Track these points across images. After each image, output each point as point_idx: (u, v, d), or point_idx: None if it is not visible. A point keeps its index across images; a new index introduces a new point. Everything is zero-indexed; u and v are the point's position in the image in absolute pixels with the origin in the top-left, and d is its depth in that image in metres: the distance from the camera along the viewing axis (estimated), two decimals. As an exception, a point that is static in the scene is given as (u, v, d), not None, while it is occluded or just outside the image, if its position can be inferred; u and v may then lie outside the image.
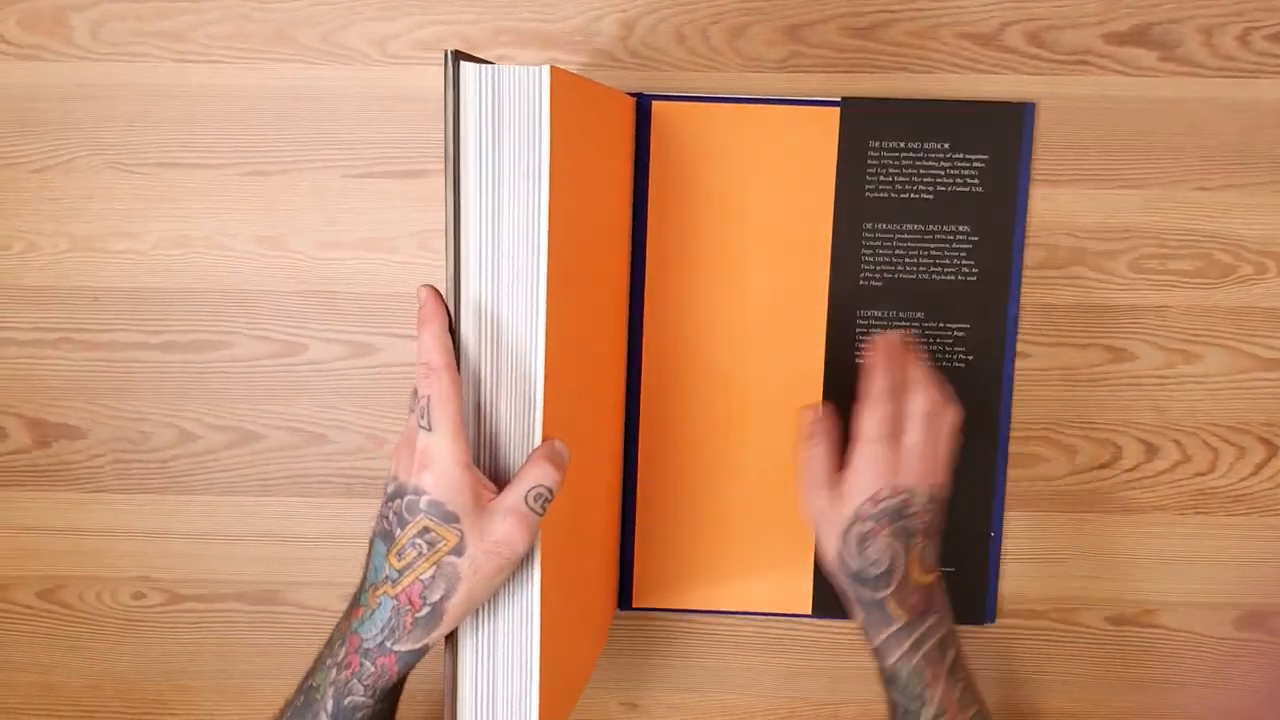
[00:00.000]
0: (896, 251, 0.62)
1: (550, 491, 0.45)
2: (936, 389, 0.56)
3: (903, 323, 0.63)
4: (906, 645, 0.54)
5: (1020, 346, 0.64)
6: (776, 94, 0.62)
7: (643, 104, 0.61)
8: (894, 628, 0.54)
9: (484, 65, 0.43)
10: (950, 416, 0.56)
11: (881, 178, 0.62)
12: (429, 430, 0.45)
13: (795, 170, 0.62)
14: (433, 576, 0.45)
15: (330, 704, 0.47)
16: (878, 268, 0.62)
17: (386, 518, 0.46)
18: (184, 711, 0.67)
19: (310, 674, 0.49)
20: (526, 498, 0.45)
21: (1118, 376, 0.64)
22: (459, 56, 0.43)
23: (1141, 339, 0.64)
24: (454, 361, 0.45)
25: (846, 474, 0.55)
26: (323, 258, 0.64)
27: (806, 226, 0.62)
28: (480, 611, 0.47)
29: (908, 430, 0.55)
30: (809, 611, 0.65)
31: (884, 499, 0.54)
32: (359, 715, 0.47)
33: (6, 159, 0.63)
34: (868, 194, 0.62)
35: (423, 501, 0.44)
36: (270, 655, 0.67)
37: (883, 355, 0.56)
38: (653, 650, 0.67)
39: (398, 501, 0.45)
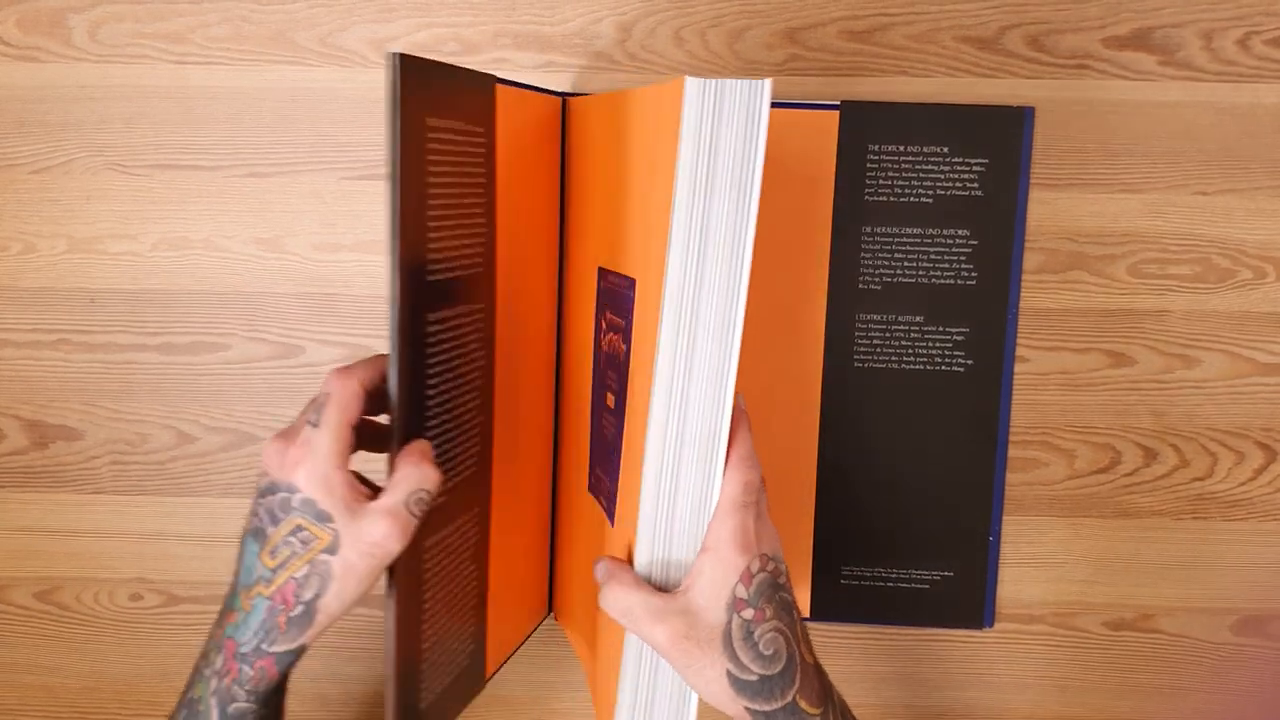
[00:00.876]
0: (896, 255, 0.62)
1: (429, 495, 0.44)
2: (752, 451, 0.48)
3: (902, 326, 0.63)
4: None
5: (1019, 351, 0.63)
6: (775, 97, 0.61)
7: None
8: None
9: (707, 81, 0.44)
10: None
11: (881, 181, 0.62)
12: (315, 426, 0.44)
13: (794, 174, 0.62)
14: (306, 575, 0.44)
15: (215, 714, 0.46)
16: (877, 271, 0.62)
17: (258, 514, 0.45)
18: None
19: (189, 686, 0.48)
20: (408, 502, 0.44)
21: (1117, 381, 0.64)
22: (402, 58, 0.42)
23: (1141, 343, 0.63)
24: (367, 379, 0.45)
25: (697, 564, 0.45)
26: (321, 260, 0.64)
27: (806, 230, 0.62)
28: None
29: (757, 499, 0.47)
30: (807, 615, 0.65)
31: (756, 573, 0.45)
32: None
33: (5, 160, 0.63)
34: (867, 198, 0.62)
35: (295, 499, 0.44)
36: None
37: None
38: (650, 653, 0.67)
39: (270, 498, 0.45)
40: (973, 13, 0.61)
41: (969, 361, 0.63)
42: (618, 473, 0.52)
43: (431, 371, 0.47)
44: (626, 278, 0.51)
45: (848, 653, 0.67)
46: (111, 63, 0.62)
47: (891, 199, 0.62)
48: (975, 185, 0.62)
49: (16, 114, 0.63)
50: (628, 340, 0.51)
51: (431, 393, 0.47)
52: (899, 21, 0.61)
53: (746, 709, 0.45)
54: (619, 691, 0.48)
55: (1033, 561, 0.65)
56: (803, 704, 0.45)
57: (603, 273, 0.54)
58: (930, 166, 0.61)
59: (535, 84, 0.57)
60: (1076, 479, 0.65)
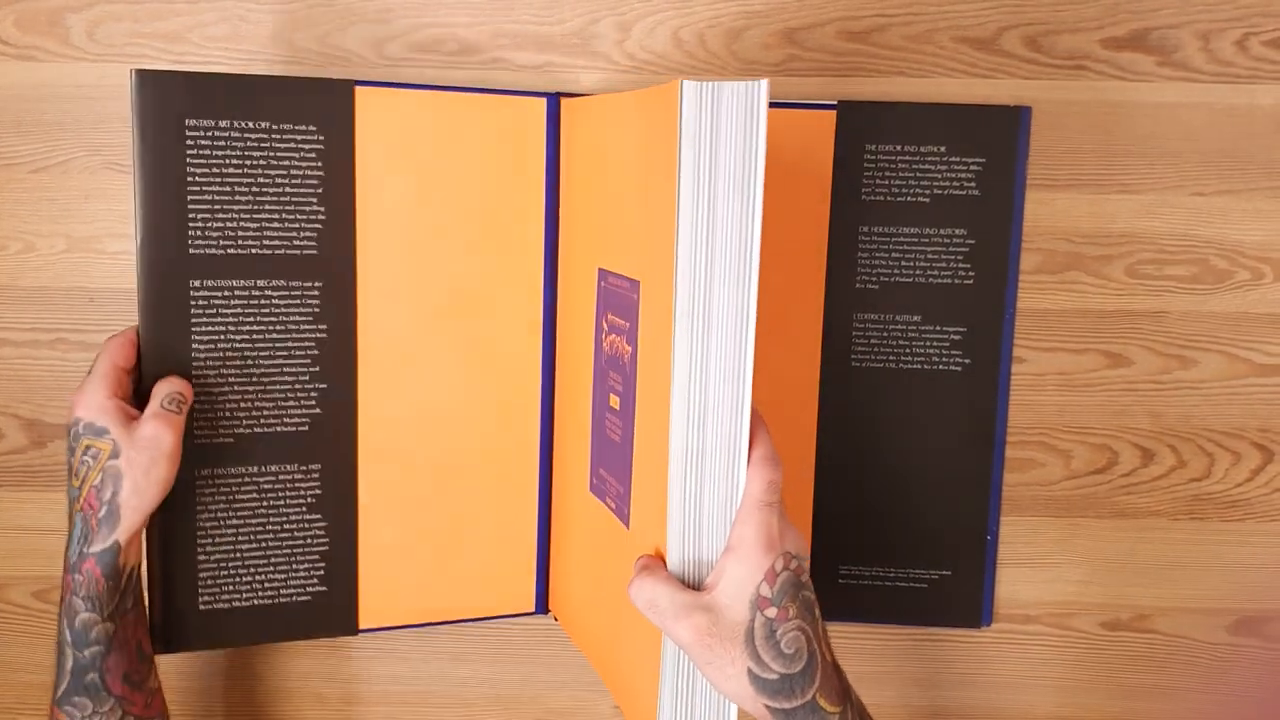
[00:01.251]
0: (893, 255, 0.62)
1: (182, 396, 0.54)
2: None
3: (899, 326, 0.63)
4: None
5: (1017, 351, 0.64)
6: (772, 97, 0.61)
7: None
8: None
9: (704, 84, 0.45)
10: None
11: (878, 181, 0.62)
12: (88, 375, 0.55)
13: (791, 174, 0.62)
14: (101, 480, 0.53)
15: (67, 634, 0.52)
16: (874, 271, 0.62)
17: (68, 461, 0.54)
18: (177, 712, 0.67)
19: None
20: (164, 402, 0.54)
21: (1114, 382, 0.64)
22: (144, 74, 0.53)
23: (1138, 344, 0.64)
24: (135, 339, 0.56)
25: (721, 563, 0.46)
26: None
27: (803, 230, 0.62)
28: None
29: (778, 497, 0.47)
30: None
31: (780, 572, 0.46)
32: (94, 633, 0.52)
33: (3, 159, 0.63)
34: (864, 197, 0.62)
35: (80, 426, 0.53)
36: (266, 655, 0.67)
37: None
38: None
39: (69, 440, 0.54)
40: (971, 13, 0.61)
41: (966, 361, 0.63)
42: (629, 475, 0.52)
43: (199, 326, 0.57)
44: (628, 279, 0.51)
45: (845, 653, 0.66)
46: (109, 62, 0.62)
47: (889, 198, 0.62)
48: (972, 184, 0.62)
49: (15, 113, 0.63)
50: (633, 341, 0.51)
51: (199, 343, 0.57)
52: (897, 22, 0.61)
53: (767, 707, 0.45)
54: (660, 694, 0.48)
55: (1029, 562, 0.65)
56: (822, 702, 0.46)
57: (603, 274, 0.55)
58: (927, 166, 0.61)
59: (519, 88, 0.58)
60: (1073, 479, 0.65)
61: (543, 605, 0.64)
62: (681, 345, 0.46)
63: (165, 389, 0.55)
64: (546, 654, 0.67)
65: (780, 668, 0.45)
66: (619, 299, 0.53)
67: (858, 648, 0.66)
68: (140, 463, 0.53)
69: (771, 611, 0.45)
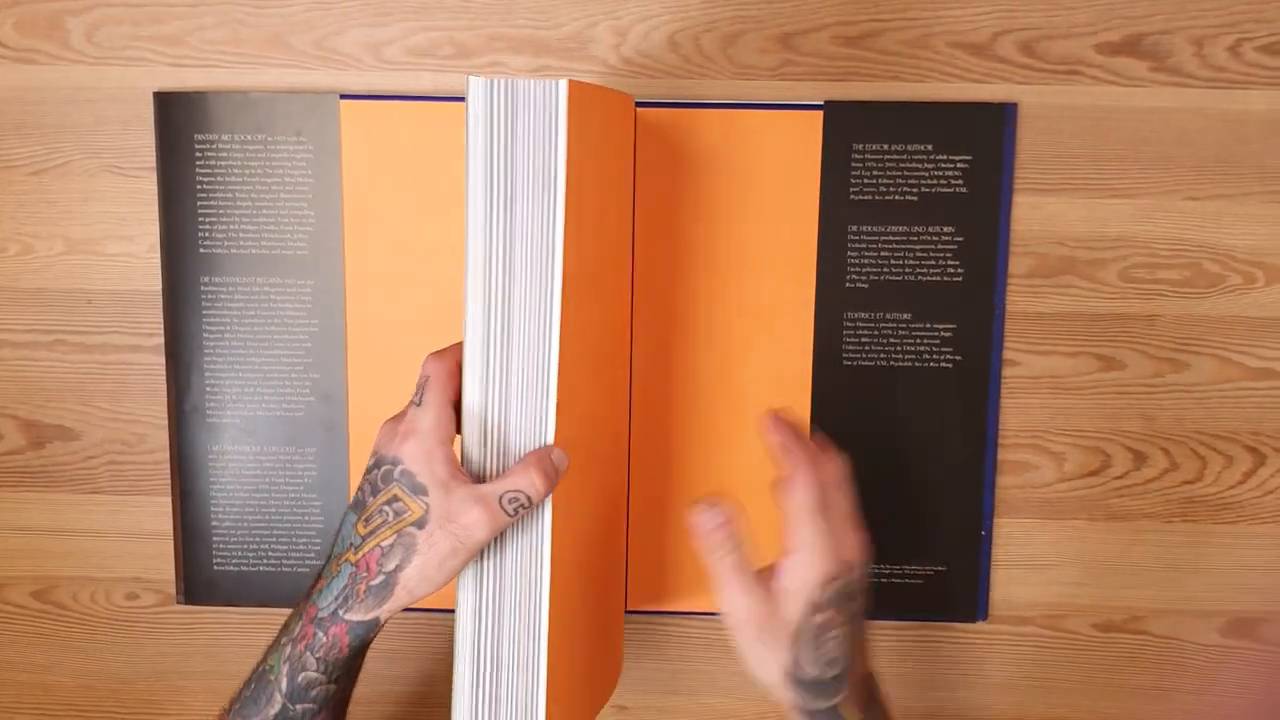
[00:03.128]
0: (882, 253, 0.63)
1: (529, 500, 0.45)
2: (834, 452, 0.52)
3: (889, 324, 0.63)
4: None
5: (1010, 354, 0.64)
6: (768, 99, 0.62)
7: (632, 111, 0.61)
8: None
9: (496, 80, 0.44)
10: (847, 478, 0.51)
11: (866, 180, 0.62)
12: (419, 405, 0.46)
13: (780, 174, 0.62)
14: (392, 544, 0.45)
15: (285, 683, 0.47)
16: (863, 270, 0.63)
17: (362, 489, 0.47)
18: (176, 712, 0.68)
19: (263, 659, 0.49)
20: (502, 498, 0.45)
21: (1107, 385, 0.64)
22: (162, 95, 0.58)
23: (1130, 348, 0.64)
24: (461, 355, 0.46)
25: (784, 564, 0.48)
26: (316, 262, 0.64)
27: (792, 230, 0.62)
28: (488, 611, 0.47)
29: (834, 500, 0.50)
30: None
31: (836, 579, 0.48)
32: (314, 692, 0.47)
33: (3, 162, 0.63)
34: (852, 196, 0.62)
35: (397, 471, 0.46)
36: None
37: (785, 430, 0.52)
38: (643, 653, 0.67)
39: (374, 472, 0.46)
40: (965, 18, 0.61)
41: (957, 357, 0.63)
42: None
43: (209, 317, 0.62)
44: None
45: (839, 653, 0.67)
46: (109, 65, 0.62)
47: (877, 197, 0.62)
48: (960, 182, 0.62)
49: (14, 116, 0.63)
50: None
51: (209, 333, 0.62)
52: (892, 27, 0.61)
53: (793, 702, 0.48)
54: (456, 700, 0.47)
55: (1023, 563, 0.66)
56: (844, 711, 0.48)
57: None
58: (914, 164, 0.62)
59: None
60: (1066, 482, 0.65)
61: None
62: (474, 360, 0.45)
63: (519, 483, 0.45)
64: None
65: (816, 671, 0.47)
66: None
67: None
68: (440, 548, 0.45)
69: (821, 617, 0.47)
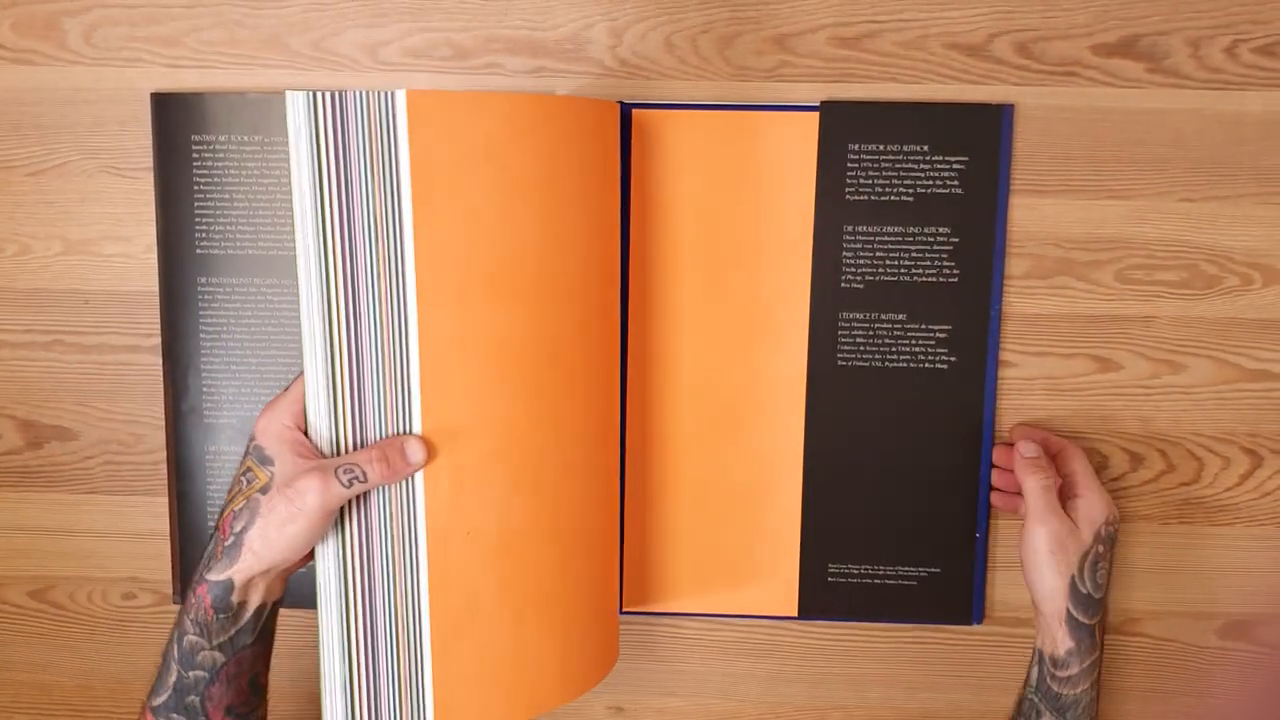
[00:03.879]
0: (877, 254, 0.63)
1: (365, 476, 0.49)
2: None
3: (885, 325, 0.63)
4: (1096, 675, 0.59)
5: (1006, 356, 0.64)
6: (765, 101, 0.62)
7: (623, 113, 0.61)
8: (1094, 656, 0.58)
9: (323, 93, 0.45)
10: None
11: (861, 180, 0.62)
12: (284, 391, 0.52)
13: (775, 175, 0.62)
14: (242, 508, 0.49)
15: (175, 649, 0.50)
16: (859, 270, 0.63)
17: (235, 472, 0.52)
18: (173, 711, 0.68)
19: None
20: (338, 470, 0.49)
21: (1103, 386, 0.64)
22: (159, 96, 0.57)
23: (1127, 349, 0.64)
24: None
25: (1078, 503, 0.59)
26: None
27: (787, 230, 0.63)
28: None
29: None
30: (794, 614, 0.65)
31: (1111, 525, 0.59)
32: (199, 658, 0.50)
33: (0, 162, 0.64)
34: (848, 197, 0.62)
35: (251, 445, 0.51)
36: (259, 656, 0.67)
37: (1033, 431, 0.64)
38: (639, 654, 0.67)
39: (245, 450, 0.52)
40: (961, 20, 0.61)
41: (952, 358, 0.63)
42: None
43: (205, 317, 0.62)
44: None
45: (834, 654, 0.67)
46: (106, 66, 0.63)
47: (872, 198, 0.62)
48: (955, 183, 0.62)
49: (12, 116, 0.63)
50: None
51: (206, 333, 0.62)
52: (888, 28, 0.62)
53: (1069, 611, 0.58)
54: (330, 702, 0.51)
55: (1019, 565, 0.65)
56: (1098, 635, 0.58)
57: None
58: (910, 165, 0.62)
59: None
60: (1063, 483, 0.65)
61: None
62: (315, 370, 0.49)
63: (357, 458, 0.49)
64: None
65: (1091, 589, 0.58)
66: None
67: (847, 649, 0.67)
68: (278, 511, 0.48)
69: (1101, 548, 0.58)
